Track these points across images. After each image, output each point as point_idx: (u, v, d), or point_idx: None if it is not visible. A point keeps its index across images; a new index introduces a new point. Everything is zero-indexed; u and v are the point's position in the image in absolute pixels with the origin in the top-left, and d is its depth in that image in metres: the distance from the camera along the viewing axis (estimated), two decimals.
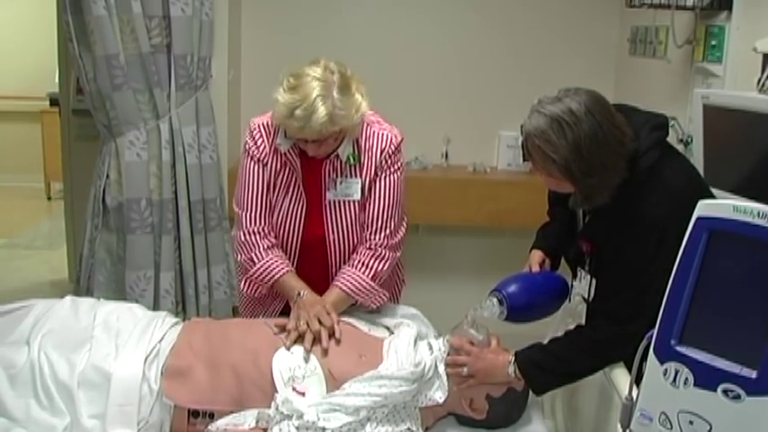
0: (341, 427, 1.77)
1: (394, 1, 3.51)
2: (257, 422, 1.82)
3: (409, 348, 2.02)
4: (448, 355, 2.02)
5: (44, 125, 6.45)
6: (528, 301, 2.01)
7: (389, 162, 2.17)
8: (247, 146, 2.18)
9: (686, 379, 1.12)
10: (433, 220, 3.46)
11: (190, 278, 3.18)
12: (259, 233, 2.18)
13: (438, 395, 1.97)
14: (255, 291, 2.25)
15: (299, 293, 2.12)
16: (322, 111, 1.95)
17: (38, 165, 6.57)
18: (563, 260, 2.14)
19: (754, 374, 1.05)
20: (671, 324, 1.14)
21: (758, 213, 1.06)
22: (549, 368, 1.88)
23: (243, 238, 2.19)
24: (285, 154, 2.14)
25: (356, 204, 2.18)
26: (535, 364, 1.90)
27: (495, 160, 3.59)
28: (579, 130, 1.67)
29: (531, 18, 3.48)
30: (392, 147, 2.17)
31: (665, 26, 2.71)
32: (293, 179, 2.17)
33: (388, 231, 2.19)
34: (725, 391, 1.08)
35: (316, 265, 2.23)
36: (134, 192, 3.05)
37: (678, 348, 1.13)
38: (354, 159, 2.15)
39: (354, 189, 2.16)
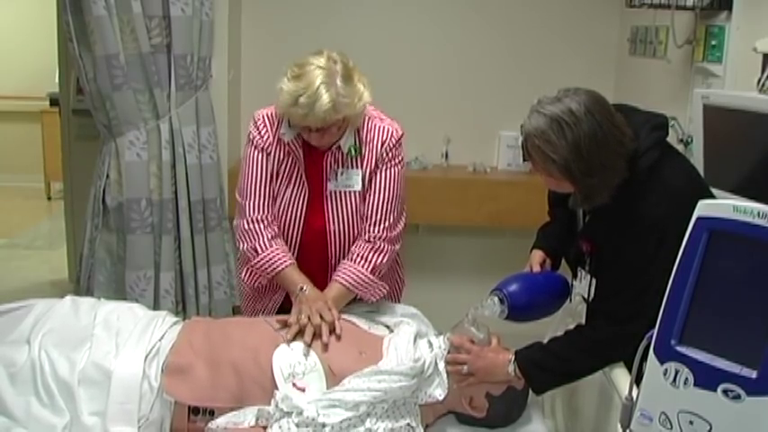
0: (341, 422, 1.77)
1: (394, 1, 3.51)
2: (257, 420, 1.82)
3: (409, 345, 2.02)
4: (448, 353, 2.02)
5: (44, 125, 6.44)
6: (529, 301, 2.02)
7: (390, 155, 2.19)
8: (251, 135, 2.19)
9: (686, 379, 1.12)
10: (433, 220, 3.46)
11: (190, 278, 3.18)
12: (262, 221, 2.18)
13: (438, 392, 1.97)
14: (256, 281, 2.26)
15: (301, 288, 2.12)
16: (326, 98, 1.97)
17: (38, 165, 6.57)
18: (563, 260, 2.14)
19: (754, 374, 1.05)
20: (671, 324, 1.14)
21: (758, 213, 1.06)
22: (548, 367, 1.88)
23: (246, 226, 2.19)
24: (288, 144, 2.16)
25: (357, 195, 2.19)
26: (535, 363, 1.90)
27: (495, 160, 3.59)
28: (579, 130, 1.68)
29: (531, 18, 3.49)
30: (393, 140, 2.19)
31: (665, 26, 2.71)
32: (296, 169, 2.18)
33: (387, 224, 2.19)
34: (725, 391, 1.08)
35: (316, 256, 2.24)
36: (134, 192, 3.06)
37: (678, 348, 1.14)
38: (356, 151, 2.17)
39: (355, 180, 2.18)
